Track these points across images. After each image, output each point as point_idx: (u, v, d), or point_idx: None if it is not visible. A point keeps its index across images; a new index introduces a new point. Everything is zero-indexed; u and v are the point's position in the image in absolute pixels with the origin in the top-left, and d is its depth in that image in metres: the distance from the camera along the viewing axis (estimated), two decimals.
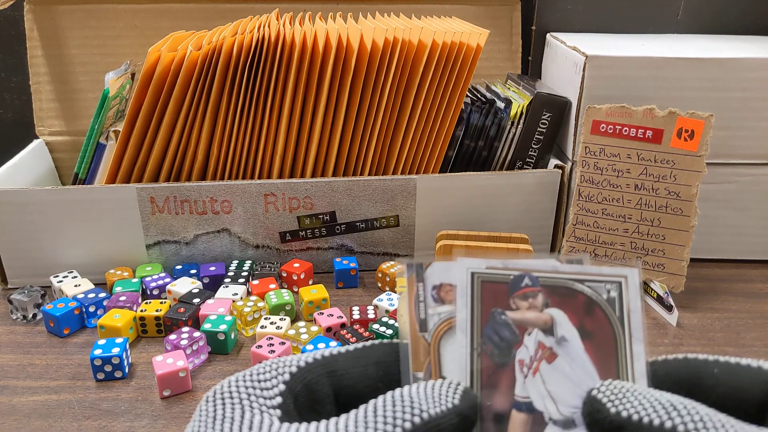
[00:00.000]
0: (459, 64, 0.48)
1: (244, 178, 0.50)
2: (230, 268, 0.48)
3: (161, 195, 0.47)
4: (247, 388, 0.21)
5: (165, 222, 0.48)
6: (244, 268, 0.48)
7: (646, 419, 0.19)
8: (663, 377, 0.22)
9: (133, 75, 0.57)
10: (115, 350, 0.38)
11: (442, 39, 0.47)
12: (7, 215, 0.47)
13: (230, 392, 0.20)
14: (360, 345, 0.24)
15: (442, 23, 0.53)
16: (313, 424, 0.19)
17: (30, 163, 0.56)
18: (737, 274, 0.51)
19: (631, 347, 0.23)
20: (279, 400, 0.20)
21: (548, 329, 0.23)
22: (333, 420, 0.19)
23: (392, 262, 0.50)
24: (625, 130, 0.45)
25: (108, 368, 0.38)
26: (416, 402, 0.20)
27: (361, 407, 0.20)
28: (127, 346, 0.39)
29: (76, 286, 0.46)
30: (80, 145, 0.54)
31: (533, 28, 0.65)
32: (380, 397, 0.20)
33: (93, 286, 0.46)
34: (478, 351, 0.23)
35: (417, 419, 0.19)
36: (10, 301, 0.44)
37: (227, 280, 0.47)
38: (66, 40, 0.60)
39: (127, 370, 0.39)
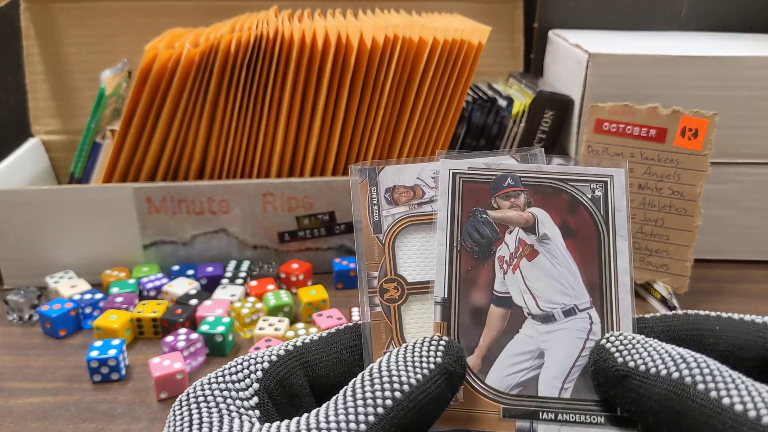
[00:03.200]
0: (460, 61, 0.48)
1: (242, 177, 0.50)
2: (228, 268, 0.48)
3: (158, 195, 0.47)
4: (222, 391, 0.20)
5: (162, 222, 0.48)
6: (242, 269, 0.48)
7: (653, 369, 0.19)
8: (660, 333, 0.22)
9: (129, 73, 0.56)
10: (112, 352, 0.37)
11: (443, 36, 0.46)
12: (3, 215, 0.46)
13: (204, 396, 0.19)
14: (333, 330, 0.23)
15: (443, 20, 0.53)
16: (294, 419, 0.18)
17: (26, 162, 0.56)
18: (742, 274, 0.50)
19: (615, 244, 0.22)
20: (256, 400, 0.20)
21: (530, 227, 0.23)
22: (313, 411, 0.18)
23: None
24: (629, 129, 0.45)
25: (104, 370, 0.37)
26: (395, 373, 0.19)
27: (342, 391, 0.19)
28: (124, 348, 0.39)
29: (72, 286, 0.46)
30: (77, 144, 0.54)
31: (535, 25, 0.64)
32: (359, 376, 0.19)
33: (89, 287, 0.46)
34: (458, 248, 0.22)
35: (398, 393, 0.19)
36: (6, 302, 0.44)
37: (225, 281, 0.46)
38: (62, 38, 0.60)
39: (123, 372, 0.38)
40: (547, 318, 0.22)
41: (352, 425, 0.18)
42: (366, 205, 0.23)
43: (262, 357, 0.21)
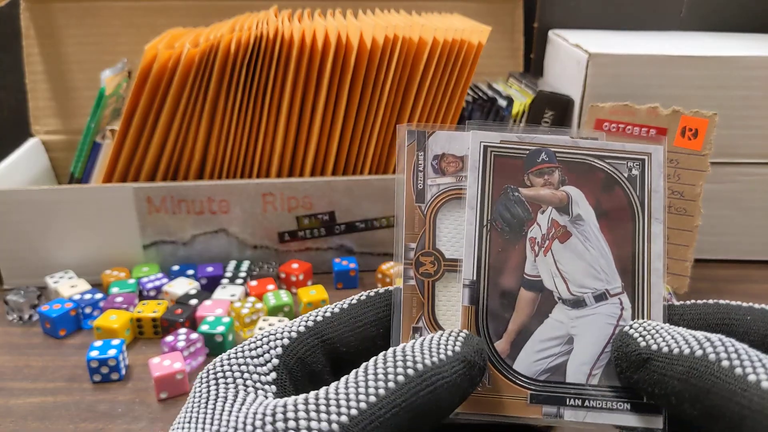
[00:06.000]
0: (460, 61, 0.48)
1: (242, 177, 0.50)
2: (228, 268, 0.48)
3: (158, 195, 0.47)
4: (240, 366, 0.19)
5: (162, 222, 0.48)
6: (241, 269, 0.48)
7: (676, 350, 0.19)
8: (690, 321, 0.21)
9: (129, 73, 0.56)
10: (112, 352, 0.37)
11: (443, 36, 0.46)
12: (3, 215, 0.46)
13: (223, 371, 0.19)
14: (354, 301, 0.22)
15: (443, 20, 0.53)
16: (303, 395, 0.18)
17: (26, 162, 0.56)
18: (742, 274, 0.50)
19: (649, 227, 0.22)
20: (273, 375, 0.20)
21: (563, 207, 0.22)
22: (323, 388, 0.18)
23: (392, 263, 0.49)
24: (629, 129, 0.45)
25: (104, 370, 0.37)
26: (410, 354, 0.19)
27: (353, 371, 0.19)
28: (124, 348, 0.39)
29: (72, 286, 0.46)
30: (77, 144, 0.54)
31: (535, 25, 0.64)
32: (373, 358, 0.19)
33: (89, 287, 0.46)
34: (488, 227, 0.21)
35: (411, 371, 0.18)
36: (6, 302, 0.44)
37: (225, 280, 0.46)
38: (62, 38, 0.60)
39: (123, 372, 0.38)
40: (577, 303, 0.21)
41: (362, 397, 0.17)
42: (411, 170, 0.22)
43: (281, 333, 0.21)
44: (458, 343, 0.20)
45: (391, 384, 0.18)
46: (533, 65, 0.65)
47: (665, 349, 0.19)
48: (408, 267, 0.22)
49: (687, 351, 0.18)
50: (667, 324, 0.20)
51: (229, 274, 0.47)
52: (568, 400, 0.21)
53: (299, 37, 0.45)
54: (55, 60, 0.60)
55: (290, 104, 0.47)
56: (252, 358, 0.20)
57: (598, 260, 0.22)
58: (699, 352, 0.18)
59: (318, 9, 0.54)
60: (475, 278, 0.21)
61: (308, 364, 0.20)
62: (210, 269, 0.48)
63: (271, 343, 0.20)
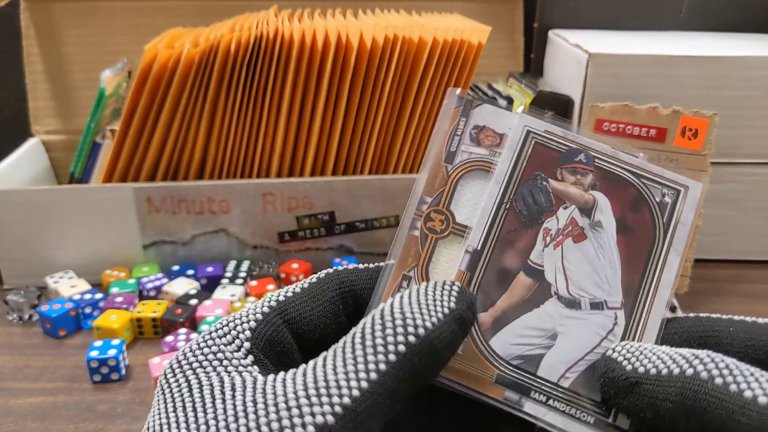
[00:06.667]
0: (460, 61, 0.48)
1: (242, 177, 0.50)
2: (228, 268, 0.48)
3: (158, 195, 0.47)
4: (215, 353, 0.19)
5: (162, 222, 0.48)
6: (241, 269, 0.48)
7: (664, 371, 0.18)
8: (674, 335, 0.21)
9: (129, 73, 0.56)
10: (112, 352, 0.37)
11: (443, 36, 0.46)
12: (3, 215, 0.46)
13: (198, 361, 0.18)
14: (314, 280, 0.22)
15: (443, 20, 0.53)
16: (300, 368, 0.17)
17: (26, 162, 0.56)
18: (741, 274, 0.50)
19: (666, 255, 0.22)
20: (251, 358, 0.19)
21: (587, 210, 0.22)
22: (321, 357, 0.17)
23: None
24: (629, 129, 0.45)
25: (104, 370, 0.37)
26: (409, 316, 0.18)
27: (349, 335, 0.18)
28: (124, 348, 0.39)
29: (72, 286, 0.46)
30: (77, 144, 0.54)
31: (535, 25, 0.64)
32: (368, 318, 0.18)
33: (89, 287, 0.46)
34: (507, 206, 0.22)
35: (412, 338, 0.17)
36: (6, 302, 0.44)
37: (225, 280, 0.46)
38: (62, 38, 0.60)
39: (123, 372, 0.38)
40: (572, 303, 0.21)
41: (362, 375, 0.17)
42: (449, 132, 0.23)
43: (247, 316, 0.20)
44: (452, 299, 0.19)
45: (392, 356, 0.17)
46: (533, 65, 0.65)
47: (653, 371, 0.18)
48: (417, 218, 0.22)
49: (676, 371, 0.18)
50: (651, 345, 0.20)
51: (229, 274, 0.47)
52: (533, 392, 0.20)
53: (299, 37, 0.45)
54: (55, 60, 0.60)
55: (290, 104, 0.47)
56: (225, 344, 0.19)
57: (605, 270, 0.22)
58: (689, 371, 0.18)
59: (318, 9, 0.54)
60: (479, 248, 0.22)
61: (276, 344, 0.20)
62: (210, 269, 0.48)
63: (239, 328, 0.20)
